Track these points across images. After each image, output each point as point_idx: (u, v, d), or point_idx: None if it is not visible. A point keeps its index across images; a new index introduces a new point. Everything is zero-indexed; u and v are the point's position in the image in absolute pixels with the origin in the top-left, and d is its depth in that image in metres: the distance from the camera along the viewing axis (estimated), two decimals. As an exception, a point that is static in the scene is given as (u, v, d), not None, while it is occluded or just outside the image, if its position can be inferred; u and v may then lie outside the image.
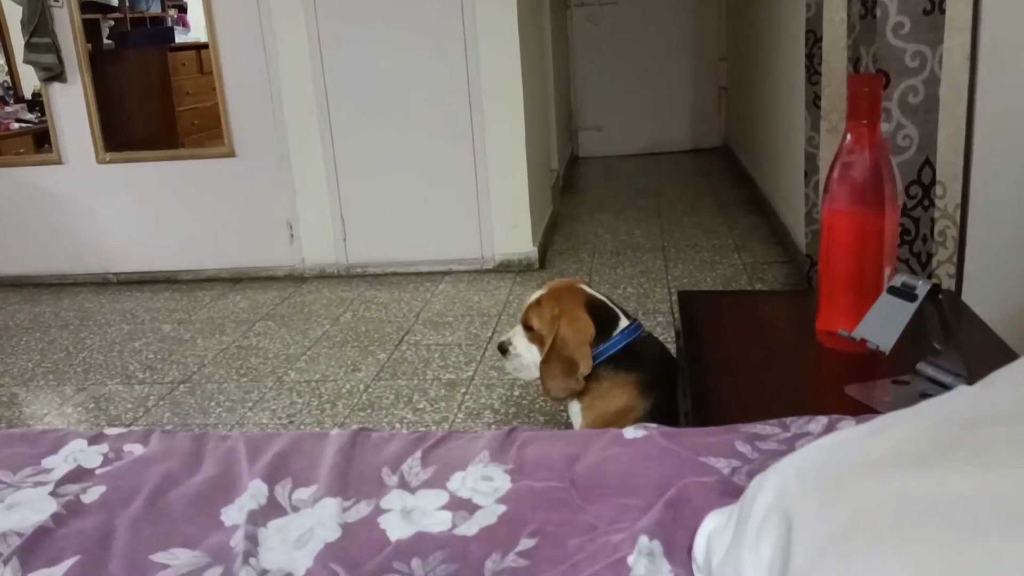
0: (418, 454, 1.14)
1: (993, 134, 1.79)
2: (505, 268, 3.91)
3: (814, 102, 2.68)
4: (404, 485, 1.08)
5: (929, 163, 1.97)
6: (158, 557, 0.95)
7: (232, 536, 0.97)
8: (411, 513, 1.01)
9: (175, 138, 4.54)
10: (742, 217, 4.47)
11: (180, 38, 4.85)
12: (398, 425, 2.52)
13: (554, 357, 1.80)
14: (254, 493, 1.05)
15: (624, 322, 1.80)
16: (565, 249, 4.21)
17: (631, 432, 1.16)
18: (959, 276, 1.94)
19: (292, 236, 3.98)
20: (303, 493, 1.07)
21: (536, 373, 1.87)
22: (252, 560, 0.91)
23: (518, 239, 3.91)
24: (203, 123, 4.18)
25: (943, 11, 1.87)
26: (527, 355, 1.89)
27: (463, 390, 2.73)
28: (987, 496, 0.65)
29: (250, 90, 3.82)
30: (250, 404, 2.70)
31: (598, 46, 6.14)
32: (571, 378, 1.77)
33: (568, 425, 1.99)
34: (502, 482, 1.07)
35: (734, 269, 3.68)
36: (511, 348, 1.92)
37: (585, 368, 1.76)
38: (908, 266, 2.02)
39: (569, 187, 5.55)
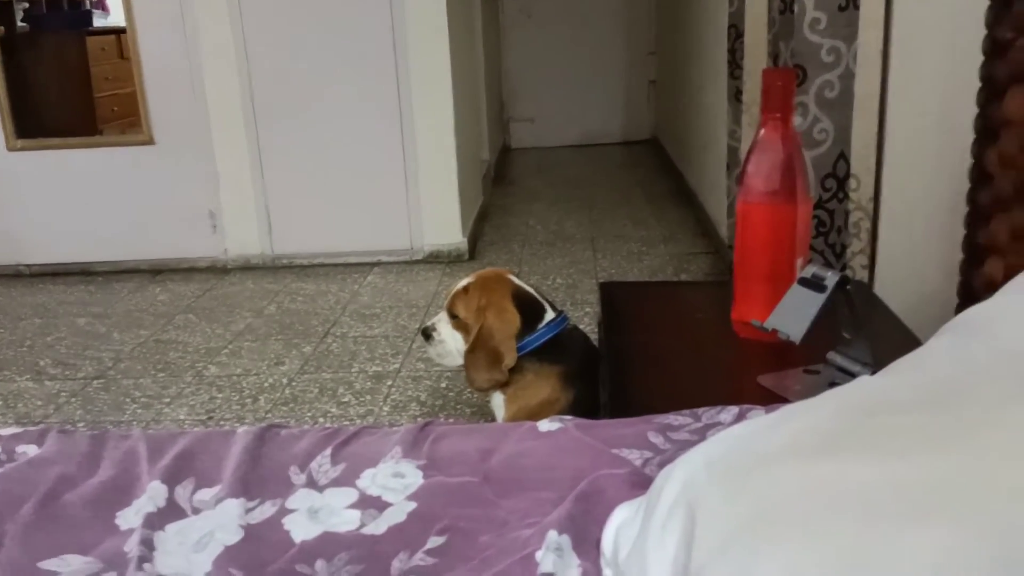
0: (328, 451, 1.11)
1: (904, 128, 1.83)
2: (435, 259, 3.88)
3: (736, 96, 2.71)
4: (312, 484, 1.05)
5: (844, 156, 2.01)
6: (48, 564, 0.91)
7: (127, 541, 0.93)
8: (318, 513, 0.99)
9: (93, 125, 4.38)
10: (670, 209, 4.52)
11: (99, 22, 4.67)
12: (321, 420, 2.48)
13: (479, 348, 1.79)
14: (152, 495, 1.01)
15: (550, 314, 1.80)
16: (496, 240, 4.20)
17: (546, 425, 1.16)
18: (872, 267, 1.98)
19: (214, 226, 3.88)
20: (205, 494, 1.03)
21: (459, 360, 1.86)
22: (146, 565, 0.88)
23: (447, 229, 3.88)
24: (124, 110, 4.04)
25: (857, 7, 1.90)
26: (451, 342, 1.88)
27: (389, 383, 2.70)
28: (887, 486, 0.65)
29: (170, 76, 3.71)
30: (167, 400, 2.62)
31: (531, 38, 6.13)
32: (495, 369, 1.77)
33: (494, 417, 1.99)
34: (414, 478, 1.05)
35: (661, 260, 3.72)
36: (435, 334, 1.91)
37: (510, 360, 1.76)
38: (824, 257, 2.06)
39: (501, 178, 5.54)
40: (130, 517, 0.98)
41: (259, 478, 1.06)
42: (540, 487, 1.01)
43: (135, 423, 2.49)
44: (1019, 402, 0.65)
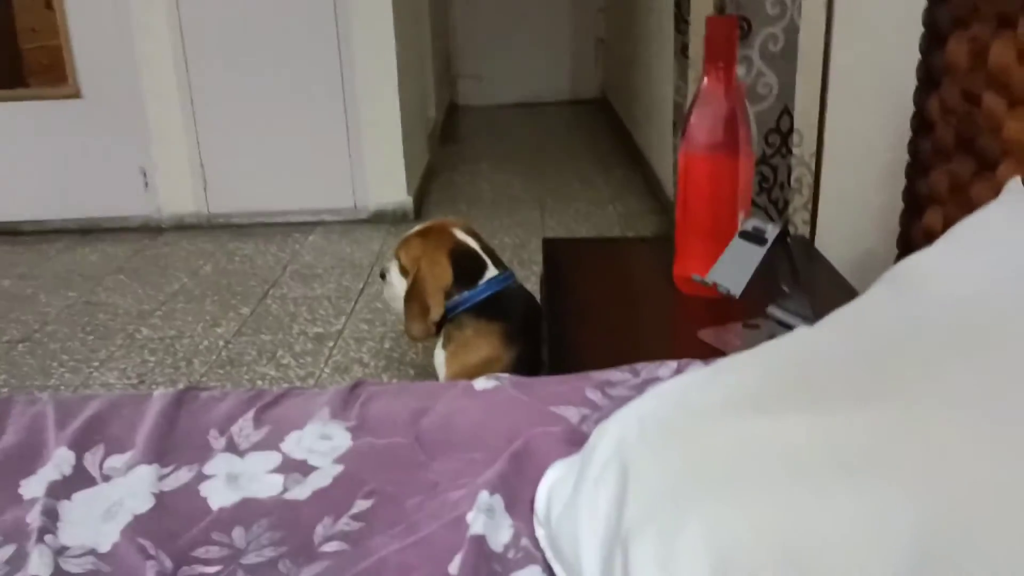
0: (251, 414, 1.06)
1: (846, 83, 1.81)
2: (379, 219, 3.80)
3: (682, 51, 2.67)
4: (233, 448, 1.00)
5: (787, 111, 1.99)
6: (-58, 537, 0.84)
7: (30, 511, 0.87)
8: (238, 478, 0.94)
9: (19, 78, 4.18)
10: (617, 168, 4.49)
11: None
12: (260, 382, 2.41)
13: (413, 298, 1.78)
14: (58, 463, 0.95)
15: (492, 272, 1.77)
16: (442, 200, 4.13)
17: (481, 383, 1.12)
18: (813, 222, 1.98)
19: (147, 184, 3.73)
20: (116, 460, 0.97)
21: (399, 307, 1.87)
22: (48, 537, 0.82)
23: (392, 188, 3.79)
24: (51, 62, 3.85)
25: (802, -43, 1.87)
26: (398, 286, 1.88)
27: (331, 344, 2.64)
28: (817, 441, 0.63)
29: (97, 26, 3.53)
30: (97, 363, 2.53)
31: (478, -7, 6.01)
32: (424, 321, 1.77)
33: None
34: (342, 441, 1.01)
35: (608, 220, 3.69)
36: (388, 276, 1.93)
37: (435, 314, 1.75)
38: (766, 213, 2.05)
39: (448, 136, 5.45)
40: (34, 486, 0.92)
41: (175, 443, 1.01)
42: (473, 447, 0.98)
43: (63, 388, 2.40)
44: (948, 356, 0.63)
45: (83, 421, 1.04)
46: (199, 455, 0.99)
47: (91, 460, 0.98)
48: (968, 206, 1.02)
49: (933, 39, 1.11)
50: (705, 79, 1.41)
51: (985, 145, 0.99)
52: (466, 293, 1.76)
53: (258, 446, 1.01)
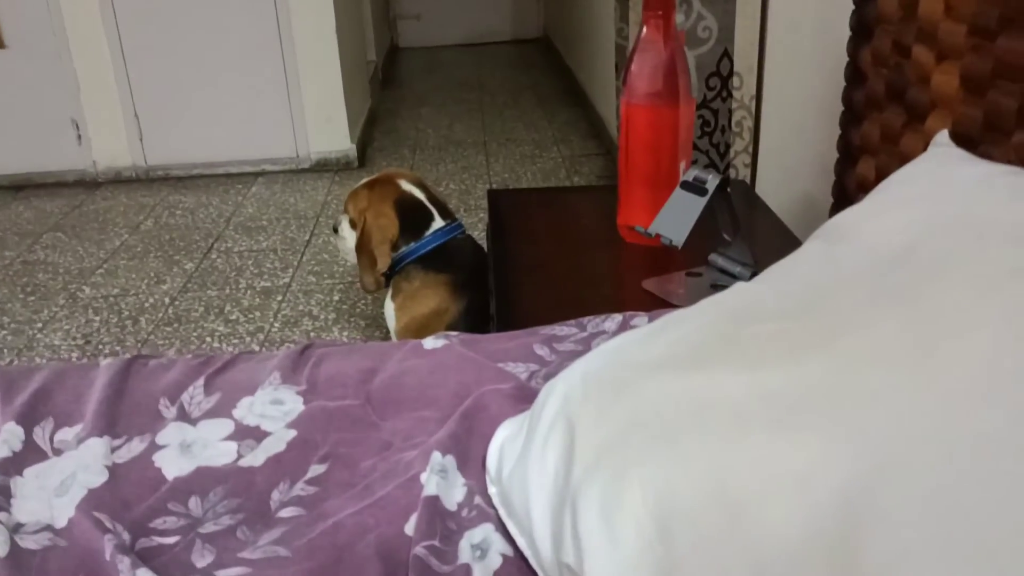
0: (201, 381, 1.06)
1: (784, 27, 1.82)
2: (322, 167, 3.75)
3: (623, -9, 2.65)
4: (184, 416, 1.00)
5: (727, 54, 2.00)
6: None
7: (-19, 489, 0.87)
8: (191, 447, 0.94)
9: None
10: (561, 110, 4.47)
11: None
12: (208, 339, 2.40)
13: (362, 250, 1.79)
14: (7, 438, 0.95)
15: (439, 223, 1.77)
16: (385, 146, 4.08)
17: (430, 342, 1.13)
18: (754, 165, 2.01)
19: (79, 137, 3.62)
20: (67, 433, 0.97)
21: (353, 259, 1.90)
22: (2, 515, 0.82)
23: (334, 135, 3.74)
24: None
25: (740, -102, 1.86)
26: (349, 239, 1.89)
27: (279, 298, 2.62)
28: (753, 395, 0.66)
29: (16, -28, 3.38)
30: (40, 325, 2.48)
31: (413, -72, 5.85)
32: (374, 272, 1.78)
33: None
34: (293, 405, 1.02)
35: (553, 163, 3.69)
36: (340, 229, 1.94)
37: (382, 265, 1.76)
38: (708, 157, 2.07)
39: (389, 80, 5.36)
40: (-17, 464, 0.92)
41: (125, 413, 1.01)
42: (424, 406, 0.99)
43: (5, 351, 2.36)
44: (876, 305, 0.66)
45: (30, 394, 1.03)
46: (150, 425, 0.99)
47: (40, 434, 0.97)
48: (899, 156, 1.05)
49: (865, -11, 1.13)
50: (644, 28, 1.41)
51: (915, 97, 1.02)
52: (412, 244, 1.76)
53: (210, 413, 1.01)
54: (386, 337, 2.29)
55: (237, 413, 1.01)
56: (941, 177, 0.78)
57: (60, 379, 1.07)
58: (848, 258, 0.74)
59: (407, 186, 1.79)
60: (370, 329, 2.42)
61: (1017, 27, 0.82)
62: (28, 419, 0.99)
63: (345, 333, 2.41)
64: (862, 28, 1.15)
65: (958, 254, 0.65)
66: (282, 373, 1.08)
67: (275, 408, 1.02)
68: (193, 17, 3.49)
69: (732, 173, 2.06)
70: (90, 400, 1.03)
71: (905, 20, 1.03)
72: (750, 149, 2.01)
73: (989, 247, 0.64)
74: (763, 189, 1.94)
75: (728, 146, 2.06)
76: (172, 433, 0.97)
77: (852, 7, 1.19)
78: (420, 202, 1.78)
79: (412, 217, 1.77)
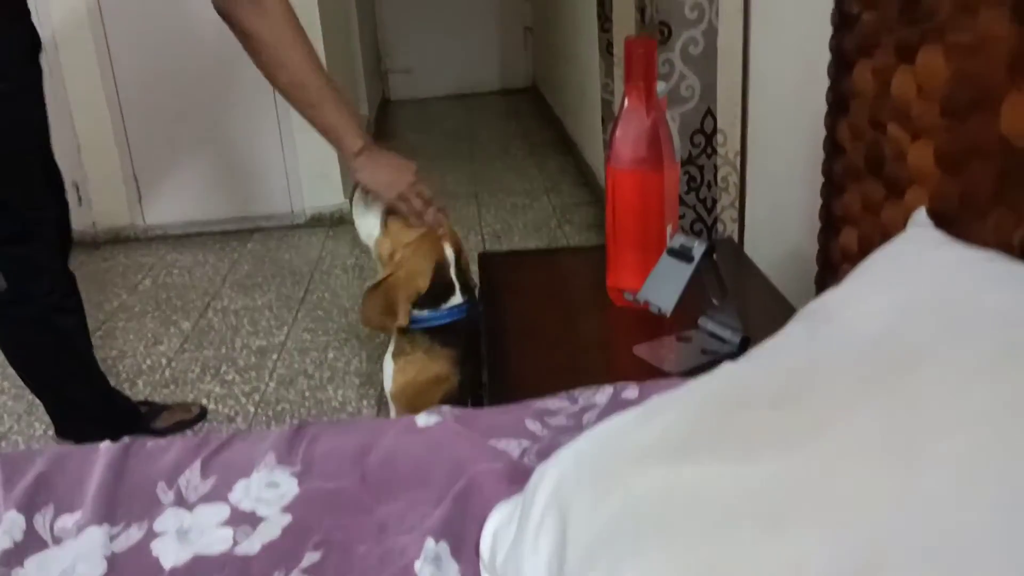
0: (197, 463, 1.07)
1: (765, 83, 1.87)
2: (316, 222, 3.78)
3: (607, 49, 2.71)
4: (181, 501, 1.01)
5: (711, 112, 2.04)
6: None
7: (-19, 584, 0.88)
8: (188, 534, 0.95)
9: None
10: (551, 158, 4.52)
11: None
12: (204, 400, 2.41)
13: (381, 292, 1.73)
14: (9, 527, 0.96)
15: (457, 299, 1.75)
16: (378, 198, 4.12)
17: (423, 419, 1.14)
18: (741, 220, 2.04)
19: (80, 198, 3.65)
20: (67, 520, 0.98)
21: (362, 236, 1.81)
22: (2, 612, 0.83)
23: (328, 191, 3.78)
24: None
25: (717, -37, 1.91)
26: (371, 221, 1.77)
27: (275, 356, 2.64)
28: (744, 490, 0.67)
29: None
30: (38, 391, 2.49)
31: (403, -14, 5.96)
32: (387, 319, 1.73)
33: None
34: (289, 487, 1.03)
35: (544, 212, 3.73)
36: (363, 205, 1.80)
37: (402, 320, 1.72)
38: (695, 212, 2.10)
39: (381, 133, 5.42)
40: (-16, 556, 0.92)
41: (124, 499, 1.02)
42: (417, 487, 1.00)
43: (5, 416, 2.37)
44: (858, 397, 0.68)
45: (31, 480, 1.04)
46: (148, 510, 1.00)
47: (41, 522, 0.98)
48: (880, 228, 1.07)
49: (840, 65, 1.16)
50: (626, 100, 1.44)
51: (892, 171, 1.04)
52: (427, 313, 1.74)
53: (206, 498, 1.02)
54: (381, 395, 2.30)
55: (233, 497, 1.02)
56: (919, 261, 0.80)
57: (61, 464, 1.08)
58: (831, 344, 0.76)
59: (448, 253, 1.75)
60: (364, 387, 2.43)
61: (986, 109, 0.85)
62: (29, 507, 1.00)
63: (340, 392, 2.42)
64: (838, 102, 1.18)
65: (936, 344, 0.67)
66: (277, 454, 1.09)
67: (270, 491, 1.03)
68: (191, 81, 3.55)
69: (720, 228, 2.09)
70: (90, 485, 1.04)
71: (879, 97, 1.06)
72: (736, 204, 2.04)
73: (966, 337, 0.66)
74: (751, 244, 1.97)
75: (715, 201, 2.09)
76: (169, 519, 0.98)
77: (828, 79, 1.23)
78: (450, 277, 1.75)
79: (438, 287, 1.74)
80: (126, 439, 1.14)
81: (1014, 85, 0.80)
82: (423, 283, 1.71)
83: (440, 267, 1.73)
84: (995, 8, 0.83)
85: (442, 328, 1.74)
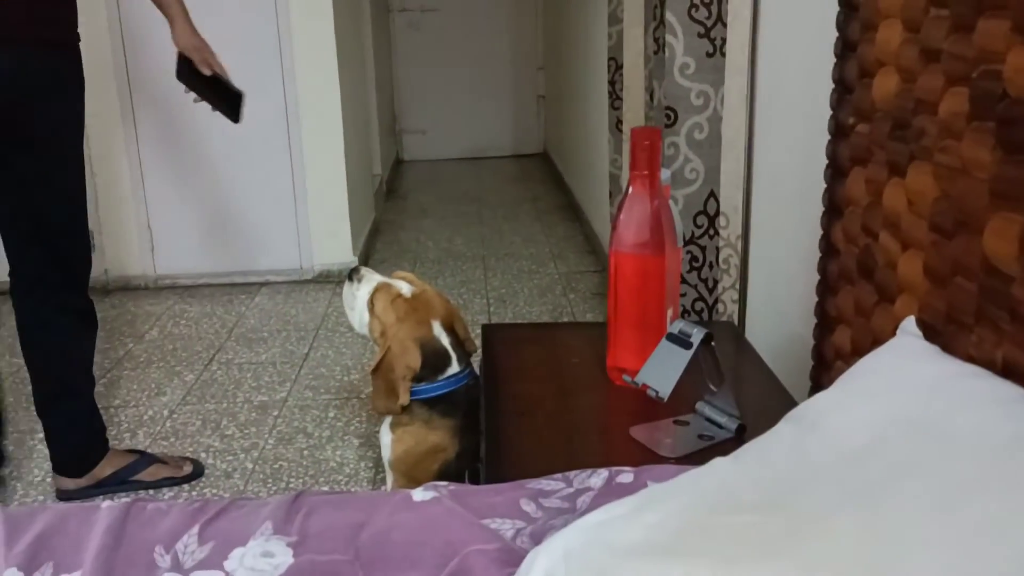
0: (195, 529, 1.09)
1: (768, 169, 1.92)
2: (325, 279, 3.83)
3: (616, 126, 2.78)
4: (177, 567, 1.03)
5: (714, 195, 2.09)
6: None
7: (-22, 645, 0.90)
8: (183, 601, 0.97)
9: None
10: (559, 224, 4.59)
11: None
12: (203, 455, 2.42)
13: (380, 375, 1.78)
14: (8, 588, 0.98)
15: (454, 368, 1.78)
16: (387, 257, 4.18)
17: (420, 494, 1.17)
18: (742, 302, 2.07)
19: (94, 246, 3.71)
20: (65, 583, 1.00)
21: (356, 326, 1.90)
22: (-3, 676, 0.85)
23: (337, 248, 3.84)
24: None
25: (724, 54, 1.98)
26: (359, 307, 1.86)
27: (275, 413, 2.66)
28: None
29: (41, 89, 3.54)
30: (40, 436, 2.50)
31: (421, 51, 6.12)
32: (391, 401, 1.77)
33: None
34: (284, 558, 1.05)
35: (550, 279, 3.78)
36: (355, 285, 1.88)
37: (404, 399, 1.75)
38: (696, 291, 2.14)
39: (393, 192, 5.51)
40: (-18, 616, 0.94)
41: (121, 561, 1.04)
42: (410, 566, 1.02)
43: (7, 460, 2.38)
44: (840, 507, 0.70)
45: (32, 538, 1.07)
46: (145, 574, 1.02)
47: (38, 583, 1.00)
48: (871, 332, 1.11)
49: (836, 171, 1.21)
50: (631, 186, 1.49)
51: (883, 278, 1.08)
52: (424, 384, 1.77)
53: (202, 564, 1.04)
54: (379, 457, 2.32)
55: (228, 565, 1.04)
56: (904, 373, 0.84)
57: (62, 523, 1.10)
58: (816, 451, 0.79)
59: (437, 330, 1.79)
60: (363, 448, 2.45)
61: (971, 229, 0.89)
62: (29, 565, 1.02)
63: (339, 452, 2.43)
64: (834, 206, 1.23)
65: (916, 462, 0.70)
66: (274, 523, 1.11)
67: (265, 561, 1.04)
68: (209, 136, 3.64)
69: (720, 308, 2.12)
70: (89, 547, 1.06)
71: (872, 205, 1.10)
72: (737, 286, 2.08)
73: (944, 458, 0.69)
74: (752, 327, 2.00)
75: (716, 282, 2.13)
76: (166, 586, 1.00)
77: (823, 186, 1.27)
78: (443, 349, 1.78)
79: (432, 360, 1.77)
80: (127, 499, 1.17)
81: (996, 210, 0.84)
82: (414, 360, 1.74)
83: (429, 345, 1.77)
84: (979, 134, 0.87)
85: (440, 398, 1.77)
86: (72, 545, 1.07)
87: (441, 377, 1.77)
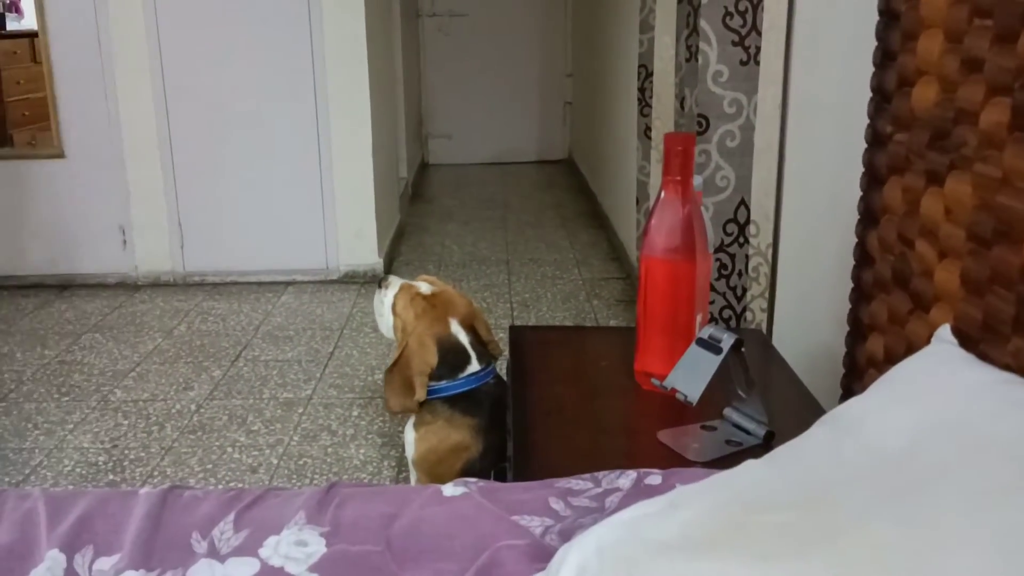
0: (231, 516, 1.11)
1: (799, 179, 1.92)
2: (350, 279, 3.86)
3: (645, 132, 2.79)
4: (214, 552, 1.05)
5: (744, 203, 2.10)
6: (-64, 647, 0.89)
7: (22, 619, 0.92)
8: (219, 585, 0.99)
9: (3, 131, 4.24)
10: (583, 231, 4.60)
11: (12, 25, 4.52)
12: (230, 449, 2.45)
13: (397, 371, 1.82)
14: (51, 566, 1.00)
15: (474, 366, 1.80)
16: (412, 260, 4.20)
17: (450, 489, 1.18)
18: (771, 311, 2.07)
19: (125, 241, 3.78)
20: (104, 563, 1.02)
21: (382, 326, 1.96)
22: (41, 650, 0.87)
23: (363, 249, 3.87)
24: (34, 114, 3.91)
25: (758, 63, 1.99)
26: (387, 313, 1.92)
27: (300, 410, 2.68)
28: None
29: (83, 85, 3.60)
30: (71, 426, 2.55)
31: (449, 56, 6.16)
32: (407, 398, 1.80)
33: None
34: (317, 547, 1.06)
35: (573, 285, 3.78)
36: (384, 292, 1.94)
37: (420, 395, 1.78)
38: (725, 299, 2.14)
39: (418, 195, 5.54)
40: (26, 592, 0.97)
41: (160, 546, 1.06)
42: (441, 557, 1.04)
43: (37, 451, 2.42)
44: (876, 507, 0.71)
45: (73, 520, 1.09)
46: (182, 558, 1.04)
47: (81, 562, 1.03)
48: (906, 340, 1.11)
49: (872, 179, 1.22)
50: (663, 192, 1.50)
51: (919, 287, 1.09)
52: (444, 383, 1.79)
53: (238, 551, 1.06)
54: (402, 456, 2.34)
55: (263, 552, 1.06)
56: (941, 378, 0.84)
57: (102, 506, 1.13)
58: (852, 454, 0.80)
59: (455, 327, 1.82)
60: (386, 448, 2.47)
61: (1011, 239, 0.90)
62: (70, 546, 1.04)
63: (362, 451, 2.45)
64: (869, 214, 1.23)
65: (953, 465, 0.71)
66: (307, 513, 1.13)
67: (299, 549, 1.06)
68: (240, 135, 3.70)
69: (748, 316, 2.12)
70: (128, 530, 1.08)
71: (908, 215, 1.11)
72: (766, 295, 2.08)
73: (982, 461, 0.70)
74: (780, 336, 2.00)
75: (745, 290, 2.14)
76: (202, 570, 1.02)
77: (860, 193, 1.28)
78: (461, 346, 1.81)
79: (451, 357, 1.80)
80: (164, 487, 1.19)
81: (1037, 219, 0.84)
82: (431, 357, 1.77)
83: (446, 341, 1.79)
84: (1021, 144, 0.88)
85: (462, 396, 1.79)
86: (112, 528, 1.09)
87: (461, 375, 1.79)
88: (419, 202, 5.39)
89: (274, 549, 1.06)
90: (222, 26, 3.57)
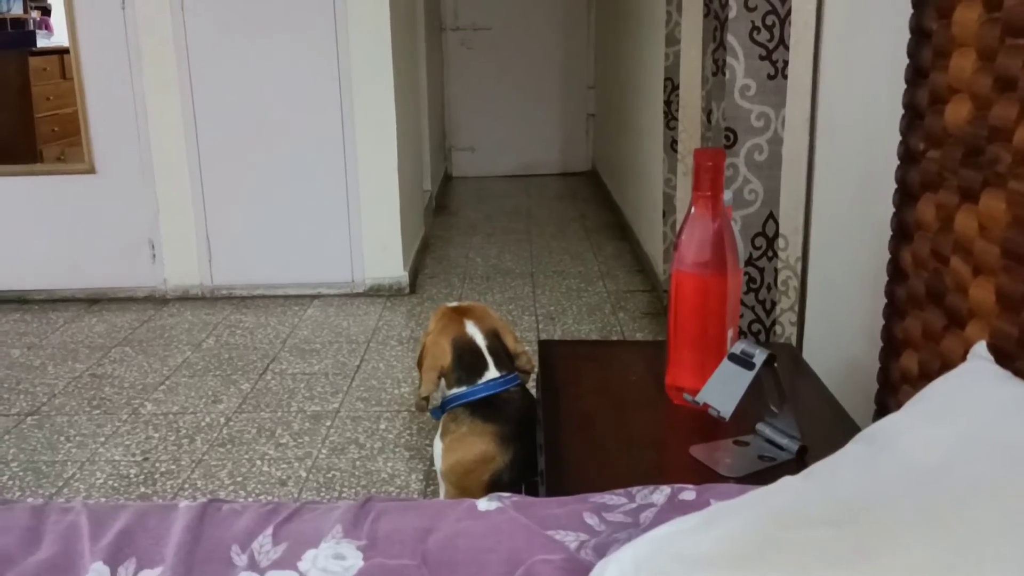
0: (269, 530, 1.13)
1: (828, 192, 1.92)
2: (375, 292, 3.89)
3: (671, 146, 2.79)
4: (253, 565, 1.07)
5: (773, 217, 2.10)
6: (-13, 658, 0.91)
7: (69, 632, 0.94)
8: (260, 599, 1.01)
9: (33, 146, 4.32)
10: (607, 243, 4.61)
11: (42, 42, 4.60)
12: (259, 462, 2.47)
13: (420, 364, 1.93)
14: (95, 580, 1.02)
15: (492, 373, 1.83)
16: (436, 273, 4.23)
17: (484, 504, 1.19)
18: (800, 324, 2.07)
19: (154, 256, 3.83)
20: (147, 575, 1.04)
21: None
22: (89, 662, 0.89)
23: (389, 263, 3.90)
24: (63, 129, 3.99)
25: (785, 77, 1.99)
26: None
27: (328, 423, 2.70)
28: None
29: (113, 102, 3.67)
30: (103, 439, 2.59)
31: (472, 69, 6.20)
32: (419, 388, 1.89)
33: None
34: (354, 560, 1.08)
35: (598, 297, 3.79)
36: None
37: (425, 390, 1.86)
38: (754, 313, 2.14)
39: (442, 208, 5.57)
40: (72, 605, 0.99)
41: (200, 560, 1.08)
42: (477, 571, 1.05)
43: (69, 463, 2.46)
44: (912, 525, 0.71)
45: (115, 534, 1.11)
46: (223, 571, 1.06)
47: (124, 575, 1.05)
48: (940, 356, 1.11)
49: (905, 196, 1.22)
50: (693, 207, 1.51)
51: (954, 303, 1.09)
52: (463, 388, 1.83)
53: (277, 564, 1.08)
54: (430, 469, 2.35)
55: (302, 566, 1.07)
56: (978, 395, 0.84)
57: (142, 520, 1.15)
58: (889, 470, 0.80)
59: (471, 330, 1.87)
60: (413, 460, 2.48)
61: (1046, 257, 0.90)
62: (113, 559, 1.06)
63: (390, 464, 2.47)
64: (903, 230, 1.23)
65: (990, 482, 0.71)
66: (344, 527, 1.14)
67: (337, 563, 1.08)
68: (269, 152, 3.75)
69: (778, 330, 2.12)
70: (169, 544, 1.10)
71: (942, 231, 1.11)
72: (796, 308, 2.08)
73: (1020, 478, 0.70)
74: (810, 350, 2.00)
75: (774, 304, 2.13)
76: (243, 583, 1.03)
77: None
78: (478, 349, 1.85)
79: (467, 360, 1.84)
80: (203, 500, 1.21)
81: (1073, 237, 0.84)
82: (443, 354, 1.84)
83: (459, 342, 1.85)
84: (1057, 162, 0.88)
85: (483, 404, 1.82)
86: (153, 541, 1.11)
87: (480, 381, 1.82)
88: (443, 215, 5.42)
89: (312, 562, 1.07)
90: (250, 42, 3.62)
